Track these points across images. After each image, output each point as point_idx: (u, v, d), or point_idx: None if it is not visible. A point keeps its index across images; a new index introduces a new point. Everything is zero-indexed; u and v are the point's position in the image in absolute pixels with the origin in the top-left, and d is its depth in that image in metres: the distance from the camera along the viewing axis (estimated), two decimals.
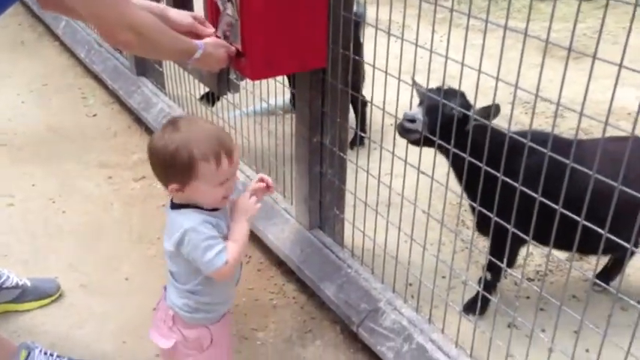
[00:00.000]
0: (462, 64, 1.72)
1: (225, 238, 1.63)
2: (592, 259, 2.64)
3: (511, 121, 1.78)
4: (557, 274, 2.68)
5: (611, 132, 1.51)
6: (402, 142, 2.14)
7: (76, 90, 4.55)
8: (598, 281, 2.06)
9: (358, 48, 2.22)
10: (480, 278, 2.38)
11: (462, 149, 1.88)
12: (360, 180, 2.36)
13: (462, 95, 2.10)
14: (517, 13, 6.31)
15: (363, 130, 3.55)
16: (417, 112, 2.10)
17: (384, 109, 2.14)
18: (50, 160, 3.64)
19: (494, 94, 1.73)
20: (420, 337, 2.14)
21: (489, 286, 2.36)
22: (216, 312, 1.75)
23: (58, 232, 3.02)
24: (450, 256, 2.14)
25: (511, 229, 1.79)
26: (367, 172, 2.29)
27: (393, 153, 2.13)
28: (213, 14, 2.17)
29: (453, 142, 1.89)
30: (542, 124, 3.94)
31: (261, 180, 1.76)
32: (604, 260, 2.57)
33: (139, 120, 3.99)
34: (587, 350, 2.20)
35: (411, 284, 2.38)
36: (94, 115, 4.19)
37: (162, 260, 2.80)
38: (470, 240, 2.00)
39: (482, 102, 1.98)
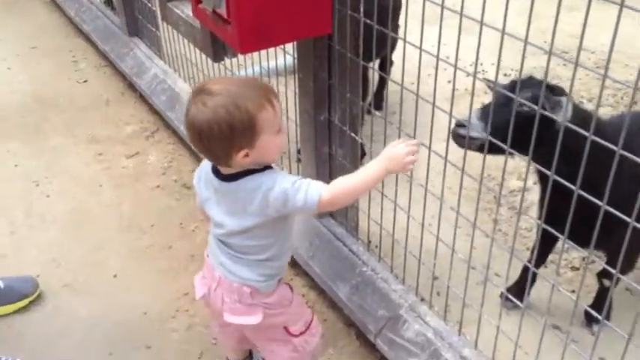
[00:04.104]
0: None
1: None
2: None
3: (547, 74, 1.38)
4: None
5: None
6: (426, 108, 1.75)
7: (67, 52, 4.19)
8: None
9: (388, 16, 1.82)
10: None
11: (549, 154, 1.40)
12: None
13: (538, 85, 1.62)
14: None
15: (380, 96, 3.17)
16: (473, 115, 1.69)
17: (403, 75, 1.76)
18: (37, 136, 3.32)
19: (524, 46, 1.32)
20: (448, 353, 1.81)
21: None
22: (285, 267, 1.67)
23: (41, 221, 2.71)
24: (481, 242, 1.78)
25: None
26: None
27: (414, 131, 1.76)
28: None
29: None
30: (581, 77, 3.52)
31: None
32: None
33: (133, 86, 3.63)
34: None
35: (437, 278, 2.05)
36: (85, 81, 3.84)
37: (155, 252, 2.55)
38: (505, 218, 1.62)
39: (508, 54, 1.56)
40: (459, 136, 1.72)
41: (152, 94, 3.37)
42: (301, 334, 1.72)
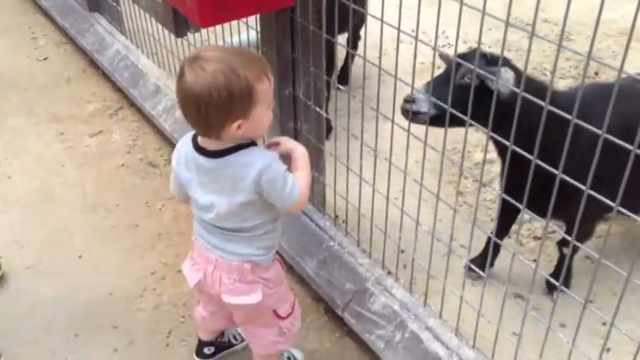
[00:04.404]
0: None
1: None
2: None
3: (504, 46, 1.39)
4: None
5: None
6: (392, 82, 1.76)
7: (26, 29, 4.06)
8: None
9: None
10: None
11: (503, 125, 1.45)
12: (340, 135, 2.00)
13: (481, 57, 1.64)
14: None
15: (345, 74, 3.15)
16: (419, 90, 1.71)
17: (365, 52, 1.75)
18: None
19: (482, 17, 1.33)
20: (414, 324, 1.84)
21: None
22: (279, 238, 1.67)
23: (2, 202, 2.65)
24: (446, 214, 1.79)
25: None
26: (348, 130, 1.93)
27: (377, 105, 1.76)
28: None
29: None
30: (545, 49, 3.54)
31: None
32: None
33: (94, 63, 3.55)
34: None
35: (403, 251, 2.07)
36: (45, 59, 3.74)
37: (121, 231, 2.52)
38: (470, 190, 1.65)
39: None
40: (407, 111, 1.75)
41: (114, 71, 3.30)
42: (288, 316, 1.72)
